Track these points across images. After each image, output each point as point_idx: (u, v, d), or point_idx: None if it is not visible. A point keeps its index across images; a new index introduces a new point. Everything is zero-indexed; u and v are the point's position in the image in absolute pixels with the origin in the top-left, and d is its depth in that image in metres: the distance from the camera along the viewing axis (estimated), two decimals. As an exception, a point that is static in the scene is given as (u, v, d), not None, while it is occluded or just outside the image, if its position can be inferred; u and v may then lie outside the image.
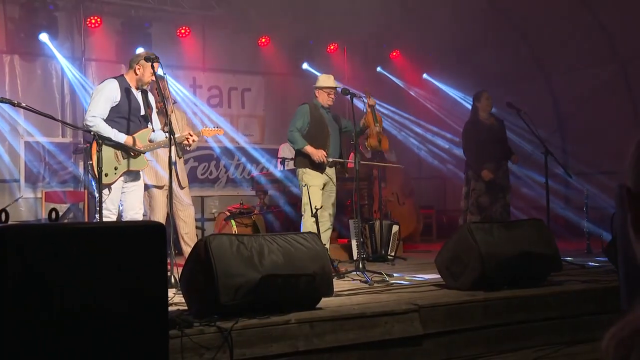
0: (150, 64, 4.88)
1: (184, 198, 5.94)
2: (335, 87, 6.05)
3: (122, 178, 4.93)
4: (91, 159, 4.74)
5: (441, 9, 8.94)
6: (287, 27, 9.06)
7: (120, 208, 4.97)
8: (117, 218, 4.94)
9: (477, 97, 7.01)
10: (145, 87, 5.09)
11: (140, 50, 6.79)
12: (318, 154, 5.77)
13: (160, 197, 5.75)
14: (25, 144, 7.80)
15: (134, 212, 5.00)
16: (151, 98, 5.22)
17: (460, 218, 7.18)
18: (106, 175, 4.78)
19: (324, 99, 6.00)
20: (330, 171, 5.95)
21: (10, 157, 7.70)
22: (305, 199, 5.74)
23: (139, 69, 4.98)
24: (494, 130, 6.92)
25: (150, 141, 5.09)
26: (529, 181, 9.14)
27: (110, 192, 4.87)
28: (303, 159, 5.88)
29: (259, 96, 9.37)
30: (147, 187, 5.56)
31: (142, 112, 5.06)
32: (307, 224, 5.66)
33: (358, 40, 9.65)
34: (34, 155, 7.83)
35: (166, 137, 4.97)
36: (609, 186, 7.85)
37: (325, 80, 6.06)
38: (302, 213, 5.80)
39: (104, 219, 4.82)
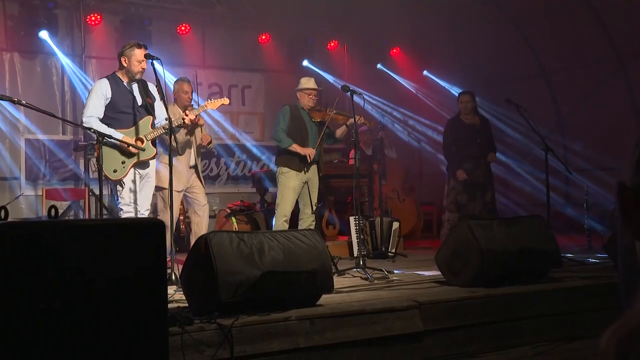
0: (134, 50, 4.85)
1: (202, 198, 5.94)
2: (316, 89, 6.21)
3: (134, 171, 4.88)
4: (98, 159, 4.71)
5: (441, 7, 8.93)
6: (287, 24, 9.05)
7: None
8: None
9: (457, 99, 7.32)
10: (137, 77, 4.95)
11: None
12: (305, 151, 5.91)
13: (175, 199, 5.77)
14: (25, 141, 7.81)
15: (140, 213, 4.92)
16: (152, 89, 5.10)
17: (443, 215, 7.29)
18: (115, 171, 4.78)
19: (306, 101, 6.13)
20: (310, 170, 6.02)
21: (11, 154, 7.70)
22: (278, 200, 5.98)
23: (124, 61, 4.92)
24: (474, 130, 7.04)
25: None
26: (529, 178, 9.15)
27: (123, 187, 4.84)
28: (282, 159, 6.03)
29: (259, 93, 9.36)
30: (161, 189, 5.53)
31: (140, 103, 4.98)
32: (278, 223, 5.88)
33: (358, 37, 9.64)
34: (34, 152, 7.83)
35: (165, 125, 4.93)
36: (609, 182, 7.85)
37: (306, 82, 6.23)
38: (275, 212, 6.00)
39: (125, 215, 4.84)
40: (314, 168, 6.06)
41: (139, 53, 4.88)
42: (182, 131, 5.48)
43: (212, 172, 8.92)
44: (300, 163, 5.95)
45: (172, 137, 4.74)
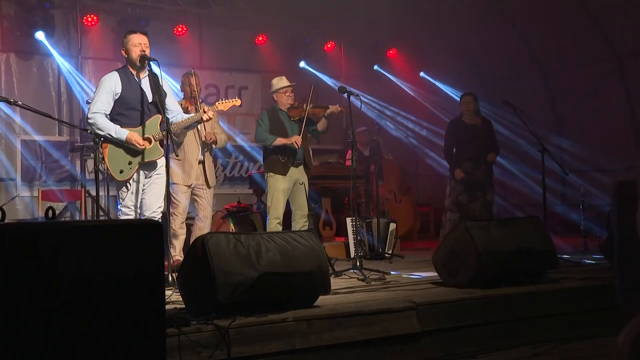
0: (128, 37, 4.73)
1: (208, 198, 5.91)
2: (290, 85, 6.18)
3: (140, 172, 4.71)
4: (104, 160, 4.57)
5: (438, 7, 8.94)
6: (284, 25, 9.06)
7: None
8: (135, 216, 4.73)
9: (460, 100, 7.38)
10: (139, 64, 4.70)
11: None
12: (291, 139, 5.91)
13: (184, 194, 5.80)
14: (21, 142, 7.79)
15: (150, 211, 4.73)
16: (164, 84, 4.83)
17: (444, 216, 7.32)
18: (121, 172, 4.63)
19: (283, 100, 6.14)
20: (297, 171, 6.05)
21: (7, 155, 7.68)
22: (268, 203, 6.02)
23: (124, 52, 4.76)
24: (475, 131, 7.11)
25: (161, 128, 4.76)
26: (526, 178, 9.17)
27: (129, 189, 4.67)
28: (267, 164, 6.08)
29: (256, 94, 9.36)
30: (172, 185, 5.49)
31: (151, 100, 4.75)
32: (271, 226, 5.93)
33: (355, 38, 9.65)
34: (30, 153, 7.82)
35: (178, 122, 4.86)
36: (606, 183, 7.87)
37: (278, 82, 6.24)
38: (267, 215, 6.06)
39: (123, 217, 4.69)
40: (300, 169, 6.06)
41: (133, 37, 4.73)
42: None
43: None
44: (284, 166, 5.97)
45: (170, 136, 4.69)
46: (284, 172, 5.96)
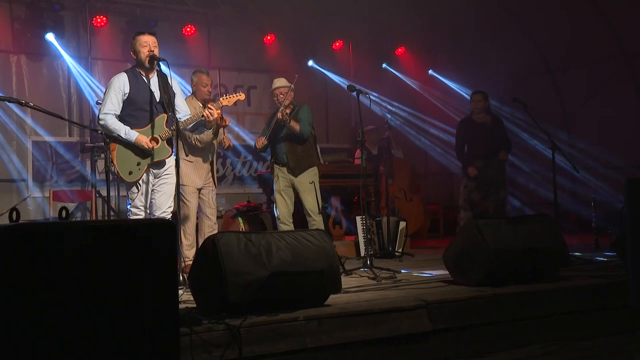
0: (136, 38, 4.74)
1: (212, 196, 5.87)
2: (276, 87, 6.13)
3: (149, 173, 4.71)
4: (112, 161, 4.57)
5: (446, 5, 8.93)
6: (292, 25, 9.07)
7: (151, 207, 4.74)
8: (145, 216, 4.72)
9: (470, 98, 7.39)
10: (148, 64, 4.70)
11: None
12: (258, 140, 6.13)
13: (194, 194, 5.70)
14: (32, 143, 7.85)
15: (161, 211, 4.74)
16: (173, 83, 4.81)
17: (459, 215, 7.31)
18: (130, 173, 4.63)
19: (275, 101, 6.17)
20: (286, 172, 6.09)
21: (19, 156, 7.75)
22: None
23: (133, 54, 4.78)
24: (486, 129, 7.10)
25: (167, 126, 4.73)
26: (536, 176, 9.14)
27: (139, 190, 4.68)
28: None
29: (265, 94, 9.37)
30: (183, 186, 5.48)
31: (158, 99, 4.73)
32: (278, 224, 6.08)
33: (363, 37, 9.65)
34: (41, 154, 7.88)
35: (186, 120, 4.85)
36: (616, 181, 7.83)
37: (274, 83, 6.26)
38: None
39: (132, 217, 4.68)
40: (284, 169, 6.05)
41: (141, 38, 4.74)
42: (208, 131, 5.30)
43: (219, 172, 8.94)
44: (271, 167, 6.19)
45: (179, 137, 4.69)
46: (273, 173, 6.18)
